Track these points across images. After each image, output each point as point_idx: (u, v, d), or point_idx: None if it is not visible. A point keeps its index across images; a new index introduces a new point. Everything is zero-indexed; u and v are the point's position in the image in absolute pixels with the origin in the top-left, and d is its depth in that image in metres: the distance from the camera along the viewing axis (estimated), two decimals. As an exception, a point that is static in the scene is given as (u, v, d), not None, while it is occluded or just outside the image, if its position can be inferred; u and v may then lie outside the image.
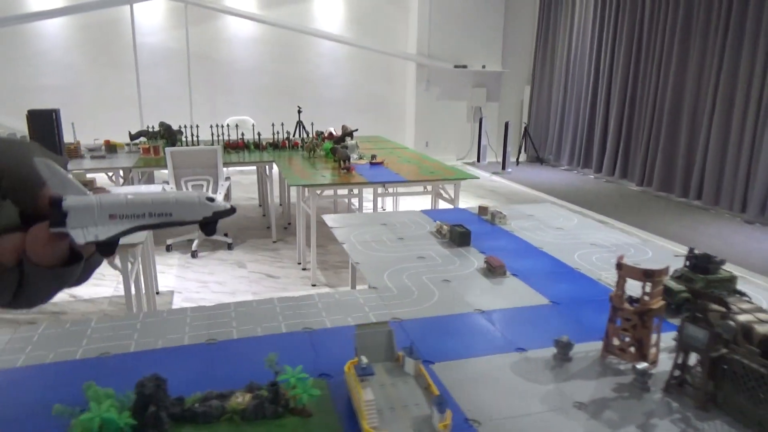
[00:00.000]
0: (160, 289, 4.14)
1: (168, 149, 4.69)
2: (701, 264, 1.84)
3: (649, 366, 1.48)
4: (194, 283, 4.26)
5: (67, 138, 5.64)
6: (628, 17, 8.06)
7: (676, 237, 5.58)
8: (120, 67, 8.65)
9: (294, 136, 8.84)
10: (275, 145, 5.73)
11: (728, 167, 6.56)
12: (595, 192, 7.79)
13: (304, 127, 9.02)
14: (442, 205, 4.70)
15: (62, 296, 4.03)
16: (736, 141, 6.44)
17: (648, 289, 1.46)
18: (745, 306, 1.46)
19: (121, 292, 3.92)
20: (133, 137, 5.60)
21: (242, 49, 9.22)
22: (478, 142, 9.87)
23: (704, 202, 6.87)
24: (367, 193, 4.84)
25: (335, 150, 4.70)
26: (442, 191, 4.60)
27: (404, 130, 10.37)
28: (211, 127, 5.59)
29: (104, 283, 4.17)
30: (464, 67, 9.89)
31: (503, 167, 9.23)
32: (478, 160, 9.91)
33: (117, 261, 2.67)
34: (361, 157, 5.03)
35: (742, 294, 1.78)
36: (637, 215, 6.43)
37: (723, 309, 1.41)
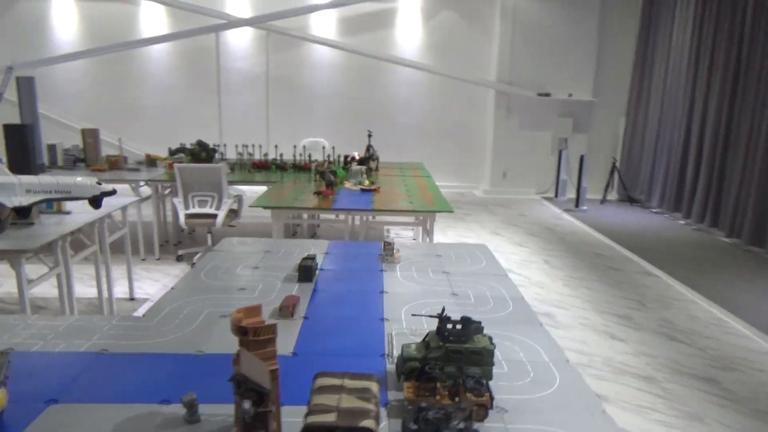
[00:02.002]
0: (140, 295, 4.36)
1: (176, 165, 4.97)
2: (443, 329, 1.51)
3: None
4: (170, 294, 4.42)
5: (116, 151, 6.22)
6: (723, 55, 7.05)
7: (730, 303, 4.67)
8: (211, 89, 9.40)
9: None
10: (297, 167, 5.81)
11: (829, 222, 5.38)
12: (671, 240, 6.83)
13: (373, 151, 9.11)
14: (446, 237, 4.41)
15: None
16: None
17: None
18: (369, 387, 1.15)
19: (94, 294, 4.18)
20: (171, 153, 6.02)
21: (322, 74, 9.56)
22: (557, 175, 9.18)
23: (799, 263, 5.70)
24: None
25: (323, 174, 4.64)
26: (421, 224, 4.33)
27: (483, 160, 9.99)
28: (236, 146, 5.83)
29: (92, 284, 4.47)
30: (547, 95, 9.30)
31: (577, 204, 8.47)
32: (556, 195, 9.21)
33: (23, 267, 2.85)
34: (359, 183, 4.92)
35: (460, 370, 1.42)
36: (703, 271, 5.50)
37: (332, 381, 1.14)
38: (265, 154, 5.91)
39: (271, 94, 9.48)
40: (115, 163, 5.71)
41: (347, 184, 4.92)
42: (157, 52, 9.43)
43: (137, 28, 9.33)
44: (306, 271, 2.34)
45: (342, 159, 5.87)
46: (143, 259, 5.33)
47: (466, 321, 1.54)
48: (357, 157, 5.79)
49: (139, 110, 9.57)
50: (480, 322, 1.56)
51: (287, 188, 4.78)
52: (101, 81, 9.51)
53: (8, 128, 3.47)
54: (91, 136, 5.83)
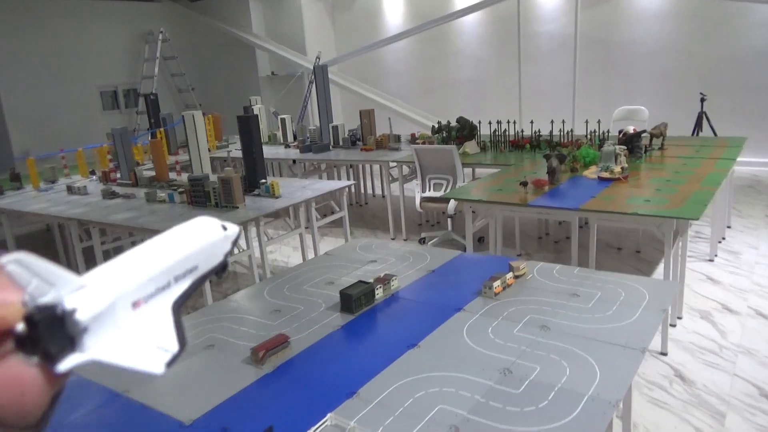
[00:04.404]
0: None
1: (414, 147, 4.84)
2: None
3: None
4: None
5: (385, 131, 6.43)
6: None
7: None
8: (522, 57, 8.89)
9: (695, 133, 7.24)
10: (554, 145, 4.96)
11: None
12: None
13: (708, 120, 7.22)
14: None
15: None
16: None
17: None
18: None
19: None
20: (434, 131, 5.93)
21: (643, 27, 7.96)
22: None
23: None
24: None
25: (548, 157, 3.78)
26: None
27: None
28: (479, 123, 5.33)
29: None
30: None
31: None
32: None
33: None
34: (607, 169, 3.87)
35: None
36: None
37: None
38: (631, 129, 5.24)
39: (581, 58, 8.39)
40: (381, 143, 5.96)
41: (589, 170, 3.94)
42: (468, 26, 9.43)
43: (452, 4, 9.47)
44: (346, 301, 1.89)
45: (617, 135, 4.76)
46: (392, 239, 5.45)
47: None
48: (632, 132, 4.60)
49: (452, 84, 9.80)
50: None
51: (512, 174, 4.12)
52: (420, 59, 10.08)
53: (240, 119, 3.91)
54: (366, 116, 6.21)
